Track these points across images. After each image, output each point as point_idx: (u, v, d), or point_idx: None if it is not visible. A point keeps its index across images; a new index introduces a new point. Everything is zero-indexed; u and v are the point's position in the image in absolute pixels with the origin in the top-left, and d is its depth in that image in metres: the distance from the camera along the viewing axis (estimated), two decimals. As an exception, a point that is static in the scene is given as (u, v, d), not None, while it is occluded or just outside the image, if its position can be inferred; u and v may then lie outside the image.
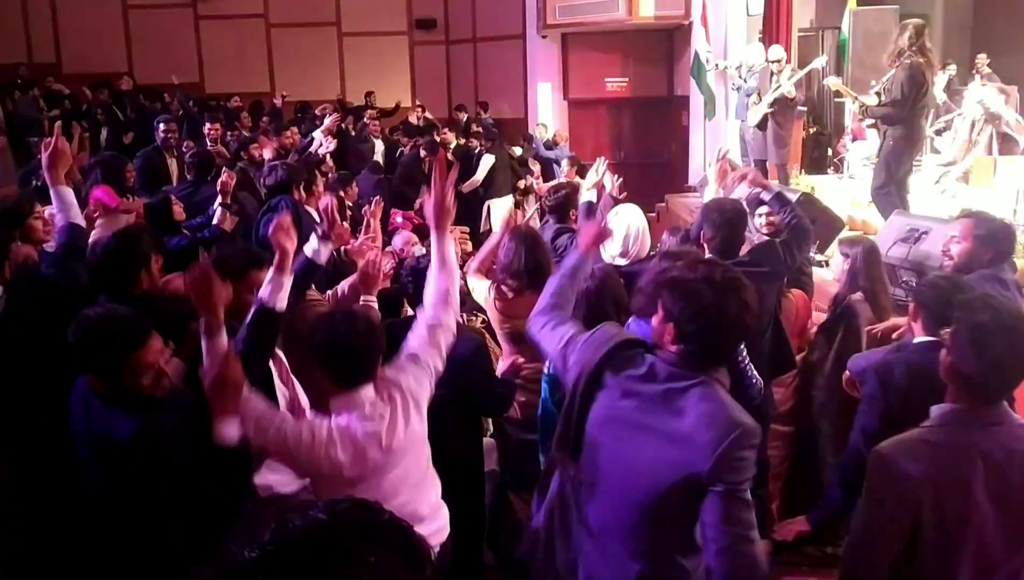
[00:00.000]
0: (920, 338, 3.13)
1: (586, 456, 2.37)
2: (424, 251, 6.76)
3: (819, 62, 9.46)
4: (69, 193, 3.87)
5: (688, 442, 2.13)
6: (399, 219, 8.00)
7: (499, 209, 10.09)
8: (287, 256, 2.91)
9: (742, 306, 2.16)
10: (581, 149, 14.56)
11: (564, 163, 10.60)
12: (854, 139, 10.22)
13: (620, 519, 2.29)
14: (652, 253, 4.42)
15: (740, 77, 9.97)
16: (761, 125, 9.04)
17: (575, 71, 14.65)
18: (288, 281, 2.91)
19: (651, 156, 14.65)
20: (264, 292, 2.87)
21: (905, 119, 6.43)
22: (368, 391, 2.62)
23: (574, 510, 2.41)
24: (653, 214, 10.80)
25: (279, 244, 2.88)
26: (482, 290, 4.11)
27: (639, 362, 2.29)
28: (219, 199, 5.39)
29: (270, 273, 2.92)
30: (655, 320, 2.29)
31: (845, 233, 6.25)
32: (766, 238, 4.45)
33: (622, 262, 4.29)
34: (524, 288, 3.90)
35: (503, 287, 4.01)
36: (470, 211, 10.25)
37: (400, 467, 2.65)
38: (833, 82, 8.20)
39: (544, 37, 14.07)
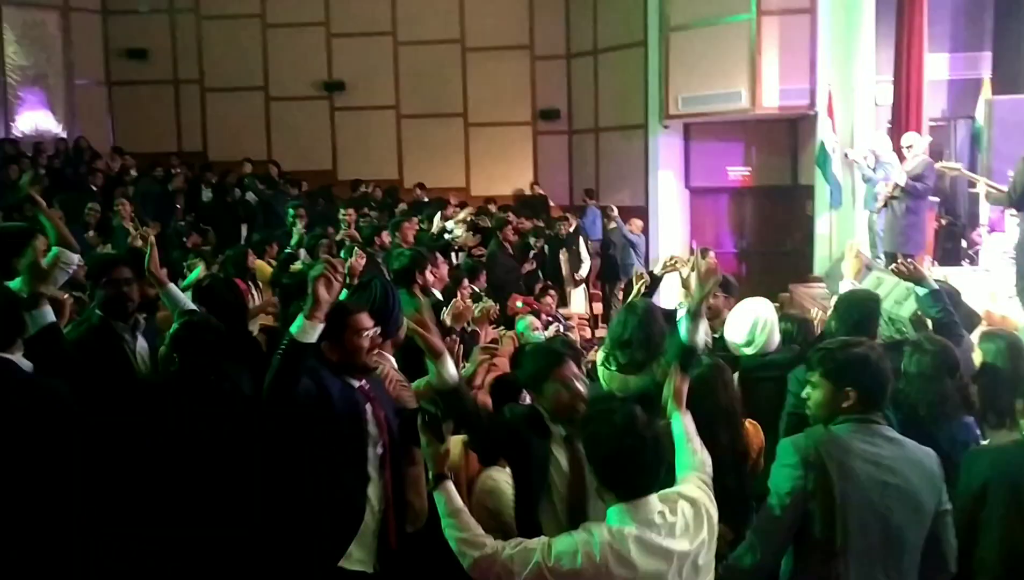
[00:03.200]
0: None
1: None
2: (544, 335, 6.84)
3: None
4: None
5: (925, 480, 2.72)
6: (519, 304, 8.12)
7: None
8: None
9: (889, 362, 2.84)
10: (702, 237, 14.51)
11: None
12: (991, 230, 9.81)
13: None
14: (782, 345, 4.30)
15: (869, 167, 9.79)
16: (884, 210, 8.85)
17: (697, 160, 14.65)
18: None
19: (774, 245, 14.41)
20: None
21: None
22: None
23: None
24: (776, 304, 10.58)
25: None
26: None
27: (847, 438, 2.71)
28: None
29: None
30: (823, 397, 2.77)
31: (982, 328, 5.96)
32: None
33: (748, 351, 4.21)
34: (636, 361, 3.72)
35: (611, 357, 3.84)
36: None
37: None
38: (949, 166, 8.00)
39: (666, 127, 14.19)
